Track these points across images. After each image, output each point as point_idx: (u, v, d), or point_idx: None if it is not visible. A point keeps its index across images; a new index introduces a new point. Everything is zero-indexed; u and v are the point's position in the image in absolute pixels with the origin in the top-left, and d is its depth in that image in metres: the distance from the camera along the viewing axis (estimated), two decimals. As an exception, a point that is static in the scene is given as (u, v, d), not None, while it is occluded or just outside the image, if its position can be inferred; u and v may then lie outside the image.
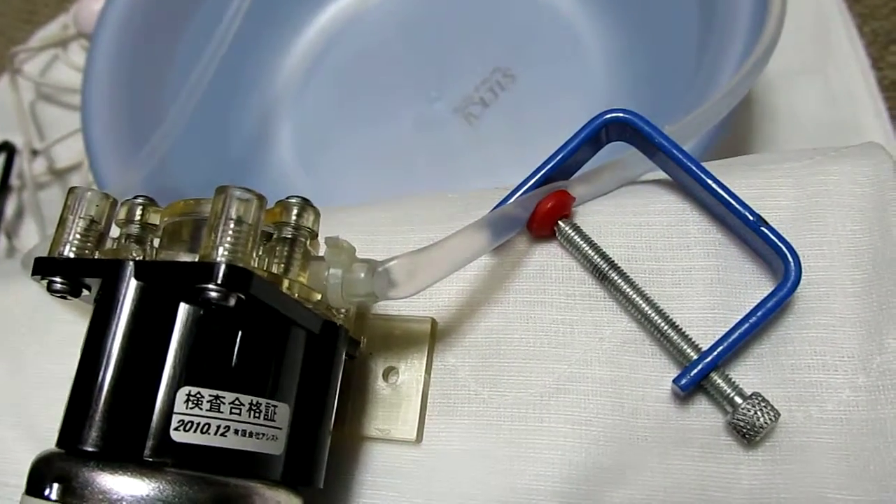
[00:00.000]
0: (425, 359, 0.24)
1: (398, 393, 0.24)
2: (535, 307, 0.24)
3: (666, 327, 0.23)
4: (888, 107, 0.42)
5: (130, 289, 0.20)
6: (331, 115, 0.48)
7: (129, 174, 0.36)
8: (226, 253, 0.19)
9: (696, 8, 0.38)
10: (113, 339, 0.20)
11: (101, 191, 0.23)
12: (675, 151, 0.23)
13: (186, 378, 0.19)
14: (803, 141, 0.42)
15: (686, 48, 0.38)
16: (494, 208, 0.25)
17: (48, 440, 0.20)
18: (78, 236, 0.21)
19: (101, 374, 0.19)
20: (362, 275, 0.21)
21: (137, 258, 0.20)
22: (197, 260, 0.20)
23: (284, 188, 0.46)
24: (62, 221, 0.22)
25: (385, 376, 0.25)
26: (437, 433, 0.24)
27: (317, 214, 0.22)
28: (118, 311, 0.20)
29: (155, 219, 0.23)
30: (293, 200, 0.22)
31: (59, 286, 0.21)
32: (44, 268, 0.21)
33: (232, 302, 0.19)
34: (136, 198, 0.23)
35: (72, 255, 0.21)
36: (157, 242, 0.23)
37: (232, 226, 0.19)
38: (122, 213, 0.23)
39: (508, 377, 0.24)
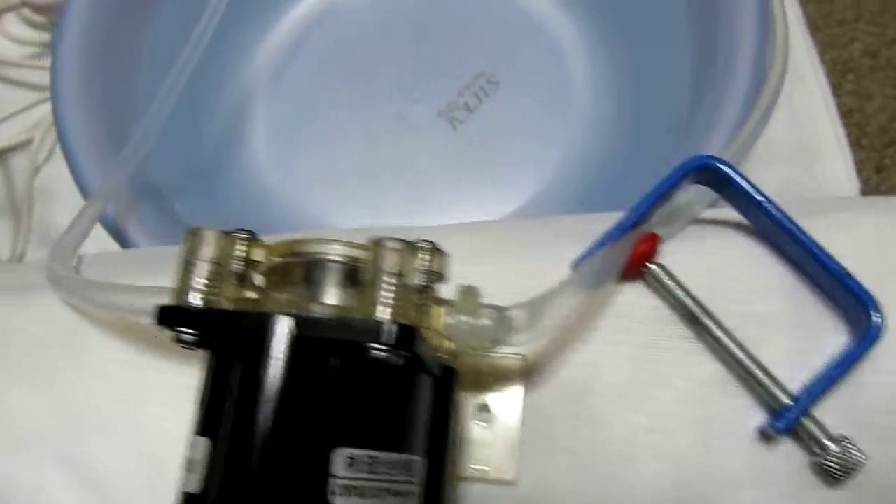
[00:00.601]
0: (520, 396, 0.25)
1: (492, 431, 0.24)
2: (623, 346, 0.25)
3: (756, 370, 0.24)
4: (847, 132, 0.45)
5: (282, 344, 0.19)
6: (306, 113, 0.46)
7: (113, 175, 0.34)
8: (389, 311, 0.19)
9: (690, 36, 0.39)
10: (261, 396, 0.19)
11: (218, 229, 0.21)
12: (767, 202, 0.24)
13: (343, 438, 0.19)
14: (771, 161, 0.45)
15: (676, 76, 0.39)
16: (591, 250, 0.25)
17: (108, 490, 0.19)
18: (204, 281, 0.20)
19: (248, 434, 0.18)
20: (490, 322, 0.21)
21: (288, 311, 0.19)
22: (352, 315, 0.19)
23: (260, 188, 0.45)
24: (186, 266, 0.20)
25: (477, 414, 0.25)
26: (534, 472, 0.24)
27: (444, 257, 0.22)
28: (266, 366, 0.19)
29: (258, 255, 0.22)
30: (424, 245, 0.21)
31: (190, 338, 0.19)
32: (175, 318, 0.19)
33: (400, 361, 0.19)
34: (236, 231, 0.22)
35: (200, 304, 0.20)
36: (258, 280, 0.22)
37: (393, 281, 0.19)
38: (220, 248, 0.22)
39: (601, 415, 0.24)
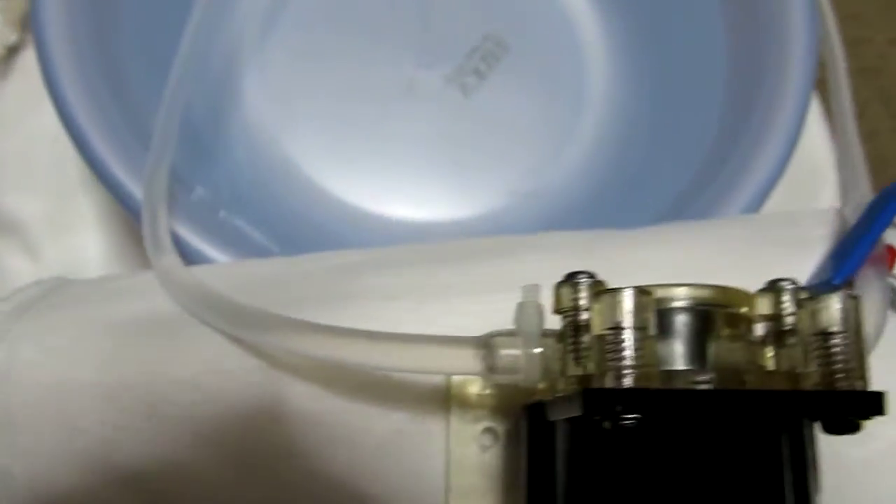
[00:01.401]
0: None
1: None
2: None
3: None
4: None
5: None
6: (305, 76, 0.40)
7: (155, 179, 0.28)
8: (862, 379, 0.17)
9: (722, 21, 0.39)
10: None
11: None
12: None
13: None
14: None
15: (702, 78, 0.39)
16: (848, 264, 0.24)
17: None
18: (633, 354, 0.17)
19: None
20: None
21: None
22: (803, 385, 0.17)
23: (257, 157, 0.39)
24: (615, 341, 0.17)
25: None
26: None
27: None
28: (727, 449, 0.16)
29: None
30: (786, 285, 0.19)
31: (630, 423, 0.16)
32: (615, 403, 0.16)
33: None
34: (579, 274, 0.19)
35: (630, 383, 0.17)
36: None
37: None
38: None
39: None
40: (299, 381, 0.22)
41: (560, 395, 0.18)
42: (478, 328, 0.22)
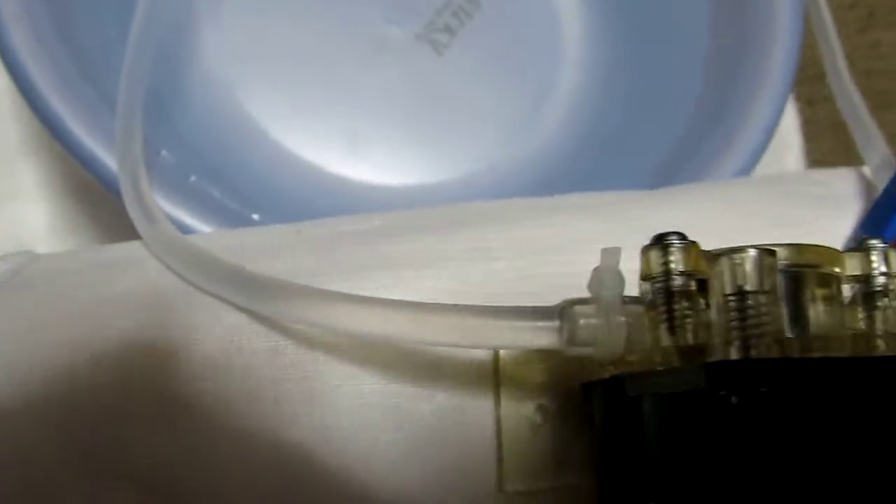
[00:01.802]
0: None
1: None
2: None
3: None
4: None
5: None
6: (263, 32, 0.37)
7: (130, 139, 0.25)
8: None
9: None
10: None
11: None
12: None
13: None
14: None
15: (684, 39, 0.38)
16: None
17: None
18: (758, 322, 0.15)
19: None
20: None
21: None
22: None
23: (219, 118, 0.36)
24: (739, 308, 0.15)
25: None
26: None
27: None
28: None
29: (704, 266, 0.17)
30: (876, 244, 0.18)
31: (762, 396, 0.15)
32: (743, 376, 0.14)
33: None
34: (669, 235, 0.17)
35: (758, 353, 0.15)
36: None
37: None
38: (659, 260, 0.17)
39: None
40: (334, 360, 0.20)
41: (659, 367, 0.16)
42: (528, 297, 0.20)
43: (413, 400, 0.20)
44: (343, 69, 0.37)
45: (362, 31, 0.38)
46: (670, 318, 0.16)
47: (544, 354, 0.20)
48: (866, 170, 0.26)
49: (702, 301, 0.16)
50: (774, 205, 0.23)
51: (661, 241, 0.17)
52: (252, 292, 0.20)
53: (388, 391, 0.20)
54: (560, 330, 0.17)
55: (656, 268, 0.17)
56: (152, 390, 0.19)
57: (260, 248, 0.22)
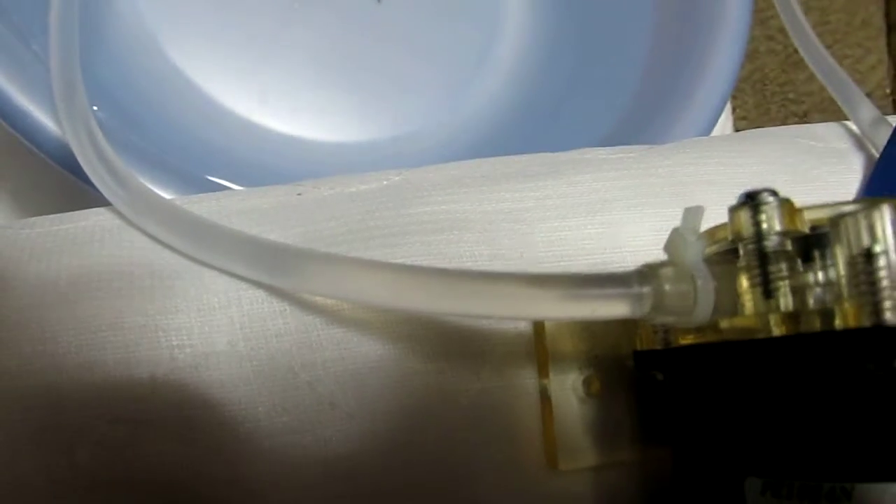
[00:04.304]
0: None
1: None
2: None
3: None
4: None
5: None
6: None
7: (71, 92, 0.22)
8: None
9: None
10: None
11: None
12: None
13: None
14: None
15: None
16: None
17: None
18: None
19: None
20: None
21: None
22: None
23: (146, 72, 0.32)
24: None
25: None
26: None
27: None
28: None
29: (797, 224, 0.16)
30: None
31: None
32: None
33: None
34: (760, 193, 0.16)
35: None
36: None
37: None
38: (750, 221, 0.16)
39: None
40: (370, 338, 0.18)
41: (760, 335, 0.15)
42: (569, 260, 0.19)
43: (457, 380, 0.18)
44: (274, 19, 0.34)
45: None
46: (765, 282, 0.15)
47: (588, 322, 0.19)
48: (850, 124, 0.26)
49: (799, 262, 0.15)
50: (794, 160, 0.23)
51: (752, 200, 0.15)
52: (274, 265, 0.17)
53: (429, 370, 0.18)
54: (640, 297, 0.16)
55: (747, 228, 0.15)
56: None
57: (260, 213, 0.20)
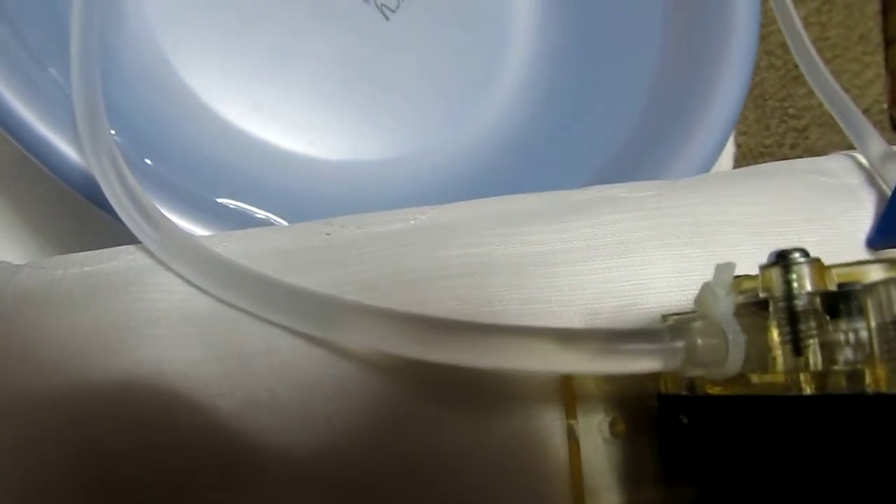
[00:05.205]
0: None
1: None
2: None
3: None
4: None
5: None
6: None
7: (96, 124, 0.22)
8: None
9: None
10: None
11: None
12: None
13: None
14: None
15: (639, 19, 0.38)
16: None
17: None
18: None
19: None
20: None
21: None
22: None
23: (155, 90, 0.32)
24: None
25: None
26: None
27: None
28: None
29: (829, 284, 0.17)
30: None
31: None
32: None
33: None
34: (791, 253, 0.17)
35: None
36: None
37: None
38: (781, 280, 0.17)
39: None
40: (404, 387, 0.18)
41: (789, 392, 0.16)
42: (596, 303, 0.19)
43: (486, 422, 0.19)
44: (282, 34, 0.34)
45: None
46: (795, 340, 0.16)
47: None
48: (860, 157, 0.27)
49: (827, 319, 0.16)
50: (806, 198, 0.23)
51: (783, 259, 0.16)
52: (315, 316, 0.17)
53: (462, 415, 0.18)
54: (673, 352, 0.16)
55: (778, 287, 0.16)
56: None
57: (289, 255, 0.20)
